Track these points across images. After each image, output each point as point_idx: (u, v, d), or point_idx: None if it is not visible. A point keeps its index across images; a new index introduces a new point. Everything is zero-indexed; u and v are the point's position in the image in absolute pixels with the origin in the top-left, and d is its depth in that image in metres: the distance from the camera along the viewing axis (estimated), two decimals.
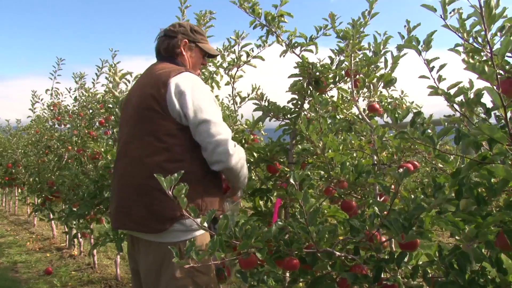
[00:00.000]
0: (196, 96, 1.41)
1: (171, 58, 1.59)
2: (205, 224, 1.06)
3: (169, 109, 1.39)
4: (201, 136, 1.39)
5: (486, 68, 0.83)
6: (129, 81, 2.69)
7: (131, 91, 1.66)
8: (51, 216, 3.85)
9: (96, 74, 4.15)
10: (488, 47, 0.86)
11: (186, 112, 1.38)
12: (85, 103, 4.29)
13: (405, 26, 1.43)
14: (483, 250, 0.93)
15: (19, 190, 7.07)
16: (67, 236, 5.26)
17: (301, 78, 1.88)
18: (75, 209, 2.68)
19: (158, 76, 1.46)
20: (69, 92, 4.69)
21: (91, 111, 4.18)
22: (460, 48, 1.07)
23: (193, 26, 1.66)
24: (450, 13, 0.96)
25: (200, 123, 1.38)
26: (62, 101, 4.81)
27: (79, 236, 2.87)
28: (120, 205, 1.46)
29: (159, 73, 1.48)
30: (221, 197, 1.52)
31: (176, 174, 1.01)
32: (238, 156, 1.43)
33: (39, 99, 5.00)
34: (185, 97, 1.39)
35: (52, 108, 4.73)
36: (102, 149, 2.50)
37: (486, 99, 0.92)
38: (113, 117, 1.95)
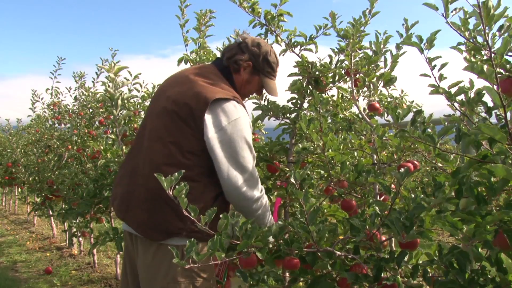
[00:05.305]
0: (233, 142, 1.31)
1: (227, 71, 1.50)
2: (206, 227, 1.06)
3: (202, 131, 1.31)
4: (227, 191, 1.34)
5: (485, 68, 0.83)
6: (128, 80, 2.68)
7: (166, 84, 1.50)
8: (50, 213, 3.85)
9: (96, 73, 4.16)
10: (487, 47, 0.85)
11: (216, 151, 1.30)
12: (85, 103, 4.30)
13: (403, 24, 1.43)
14: (481, 250, 0.93)
15: (19, 190, 7.08)
16: (67, 235, 5.26)
17: (300, 77, 1.89)
18: (74, 208, 2.68)
19: (202, 89, 1.35)
20: (69, 91, 4.69)
21: (91, 110, 4.18)
22: (462, 47, 1.07)
23: (268, 56, 1.53)
24: (452, 11, 0.96)
25: (230, 179, 1.31)
26: (62, 100, 4.81)
27: (79, 235, 2.87)
28: (125, 199, 1.41)
29: (204, 85, 1.37)
30: None
31: (176, 174, 1.00)
32: (259, 211, 1.39)
33: (39, 98, 5.00)
34: (223, 134, 1.31)
35: (52, 107, 4.73)
36: (102, 147, 2.50)
37: (488, 98, 0.92)
38: (112, 116, 1.93)
